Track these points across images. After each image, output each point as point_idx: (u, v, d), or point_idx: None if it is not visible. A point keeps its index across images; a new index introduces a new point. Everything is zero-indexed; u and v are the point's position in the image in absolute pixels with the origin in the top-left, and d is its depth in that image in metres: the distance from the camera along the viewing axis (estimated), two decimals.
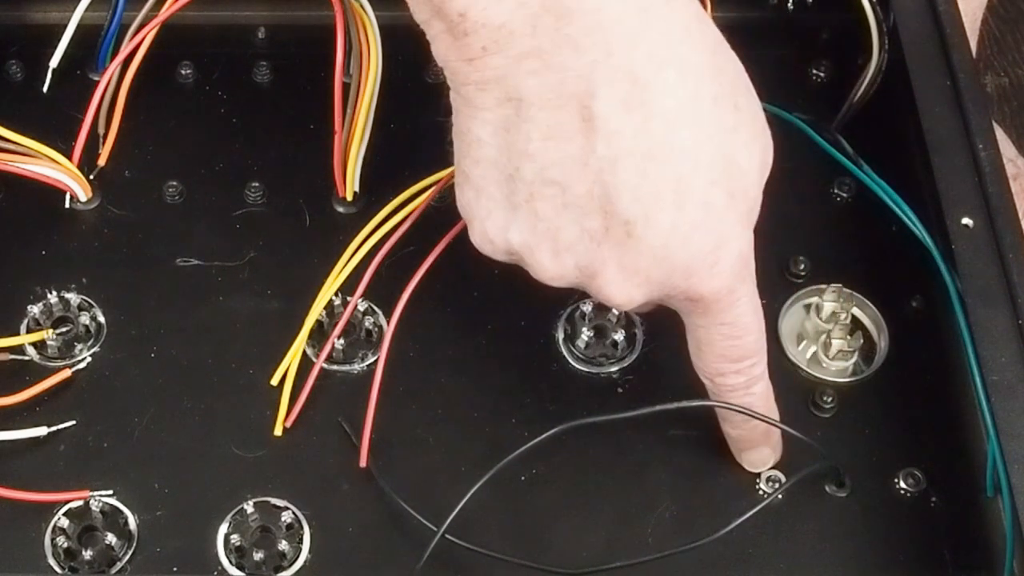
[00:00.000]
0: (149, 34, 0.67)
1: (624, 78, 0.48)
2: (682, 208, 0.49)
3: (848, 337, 0.61)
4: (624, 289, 0.51)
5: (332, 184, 0.65)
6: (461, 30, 0.48)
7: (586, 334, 0.61)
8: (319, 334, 0.61)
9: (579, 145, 0.49)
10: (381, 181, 0.65)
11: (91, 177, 0.66)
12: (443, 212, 0.63)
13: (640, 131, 0.49)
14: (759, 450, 0.57)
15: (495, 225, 0.52)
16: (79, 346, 0.61)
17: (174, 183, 0.66)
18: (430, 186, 0.63)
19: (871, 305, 0.62)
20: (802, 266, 0.64)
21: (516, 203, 0.51)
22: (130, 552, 0.56)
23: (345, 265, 0.62)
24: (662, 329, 0.62)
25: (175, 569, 0.56)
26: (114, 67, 0.67)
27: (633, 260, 0.50)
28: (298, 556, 0.56)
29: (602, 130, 0.49)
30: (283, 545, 0.55)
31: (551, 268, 0.52)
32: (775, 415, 0.56)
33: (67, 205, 0.65)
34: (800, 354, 0.62)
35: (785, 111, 0.67)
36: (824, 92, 0.70)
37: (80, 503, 0.56)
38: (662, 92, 0.48)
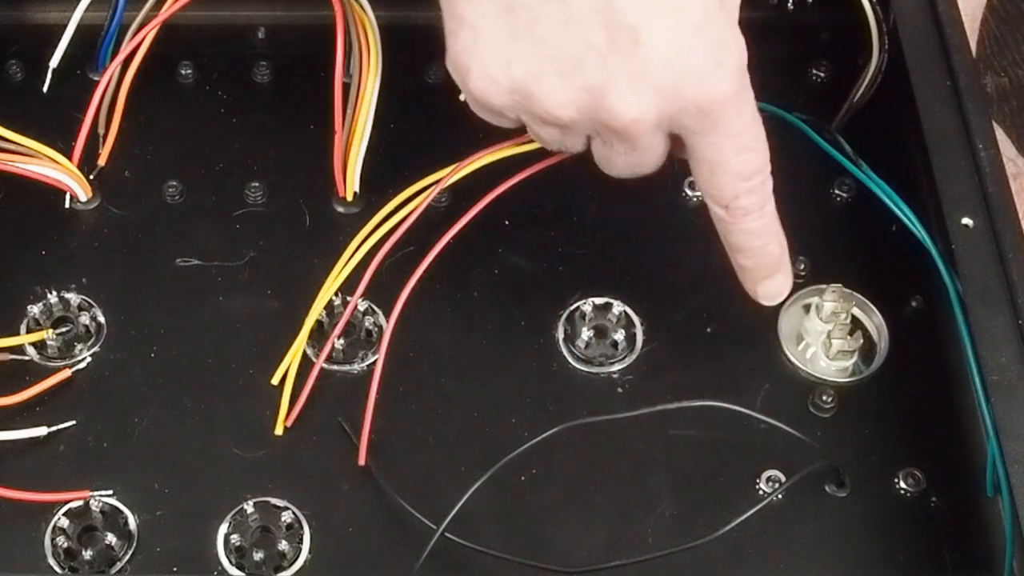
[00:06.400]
0: (149, 34, 0.67)
1: None
2: (682, 10, 0.50)
3: (848, 337, 0.61)
4: (636, 101, 0.51)
5: (332, 184, 0.65)
6: None
7: (586, 334, 0.61)
8: (319, 334, 0.61)
9: None
10: (381, 181, 0.65)
11: (91, 177, 0.66)
12: (443, 212, 0.63)
13: None
14: (774, 279, 0.58)
15: (497, 62, 0.52)
16: (79, 346, 0.61)
17: (174, 183, 0.66)
18: (430, 186, 0.63)
19: (871, 305, 0.62)
20: (802, 266, 0.63)
21: (518, 33, 0.51)
22: (130, 552, 0.56)
23: (345, 265, 0.62)
24: (662, 329, 0.62)
25: (175, 569, 0.56)
26: (114, 67, 0.67)
27: (641, 67, 0.51)
28: (298, 556, 0.56)
29: None
30: (283, 545, 0.55)
31: (560, 94, 0.52)
32: (783, 237, 0.57)
33: (67, 205, 0.65)
34: (800, 354, 0.62)
35: (785, 111, 0.67)
36: (824, 92, 0.70)
37: (80, 503, 0.56)
38: None
